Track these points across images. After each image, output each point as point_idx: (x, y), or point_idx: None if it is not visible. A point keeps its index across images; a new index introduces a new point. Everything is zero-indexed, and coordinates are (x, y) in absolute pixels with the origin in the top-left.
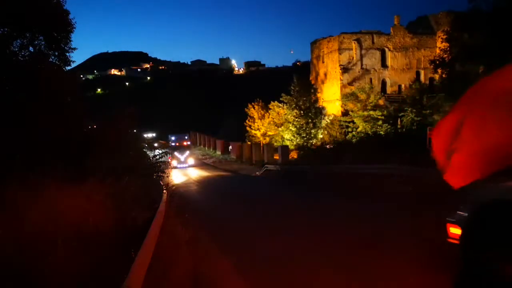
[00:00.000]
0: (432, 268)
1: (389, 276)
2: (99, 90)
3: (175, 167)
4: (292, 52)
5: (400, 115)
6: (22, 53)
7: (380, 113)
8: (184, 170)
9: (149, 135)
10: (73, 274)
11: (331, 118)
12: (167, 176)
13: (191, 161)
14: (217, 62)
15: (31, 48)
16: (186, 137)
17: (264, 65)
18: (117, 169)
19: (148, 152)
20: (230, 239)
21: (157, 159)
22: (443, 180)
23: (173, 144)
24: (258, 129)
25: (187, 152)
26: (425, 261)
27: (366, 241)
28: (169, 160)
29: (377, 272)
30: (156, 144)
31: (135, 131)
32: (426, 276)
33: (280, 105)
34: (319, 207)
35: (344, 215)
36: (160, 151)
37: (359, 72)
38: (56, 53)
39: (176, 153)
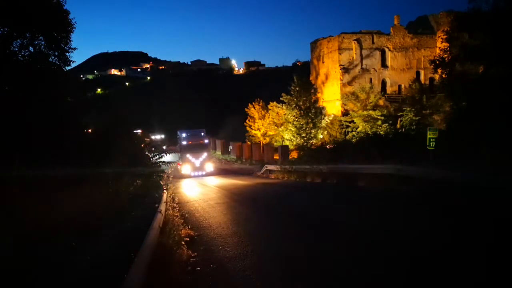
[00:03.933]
0: None
1: None
2: (99, 90)
3: (189, 176)
4: None
5: (399, 114)
6: (22, 53)
7: (380, 113)
8: (200, 179)
9: (157, 136)
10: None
11: (331, 118)
12: (168, 184)
13: (209, 167)
14: (217, 62)
15: (31, 48)
16: (202, 134)
17: (264, 65)
18: (117, 169)
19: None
20: None
21: (157, 159)
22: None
23: (184, 143)
24: (258, 129)
25: (204, 155)
26: None
27: None
28: (178, 166)
29: None
30: (164, 147)
31: (139, 131)
32: None
33: (279, 105)
34: None
35: None
36: (161, 154)
37: (359, 72)
38: (56, 53)
39: (189, 156)
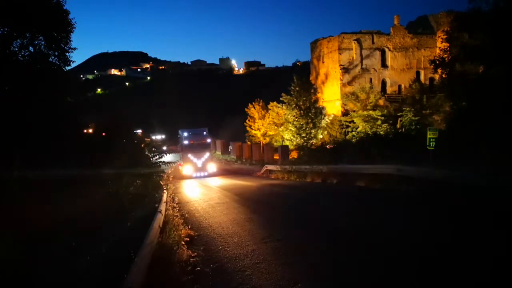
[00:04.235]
0: None
1: None
2: (99, 90)
3: (190, 176)
4: None
5: (399, 114)
6: (22, 53)
7: (380, 113)
8: (202, 180)
9: (158, 137)
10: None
11: (331, 118)
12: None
13: (212, 167)
14: (217, 62)
15: (31, 48)
16: (204, 133)
17: (264, 65)
18: (117, 169)
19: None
20: None
21: (156, 159)
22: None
23: (186, 142)
24: (258, 129)
25: (207, 155)
26: None
27: None
28: (180, 166)
29: None
30: (165, 148)
31: (139, 131)
32: None
33: (279, 105)
34: None
35: None
36: (161, 154)
37: (359, 72)
38: (56, 53)
39: (190, 156)
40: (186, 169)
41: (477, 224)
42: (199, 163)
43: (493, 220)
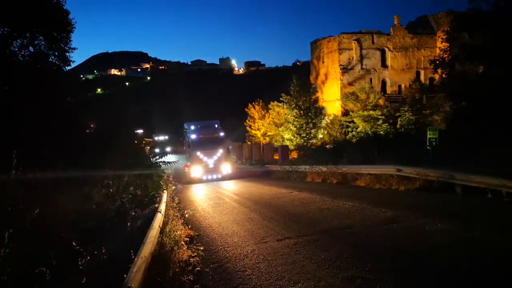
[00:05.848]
0: None
1: None
2: (99, 90)
3: (200, 180)
4: None
5: (397, 115)
6: (22, 53)
7: (380, 113)
8: (216, 185)
9: (161, 137)
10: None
11: (331, 118)
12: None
13: (226, 168)
14: (217, 62)
15: (31, 48)
16: (216, 126)
17: (264, 65)
18: (117, 169)
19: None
20: None
21: (157, 159)
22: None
23: (194, 137)
24: (259, 129)
25: (220, 152)
26: None
27: None
28: (186, 168)
29: None
30: (168, 149)
31: (140, 131)
32: None
33: (280, 105)
34: None
35: None
36: (162, 154)
37: (359, 72)
38: (56, 53)
39: (199, 154)
40: (195, 170)
41: (477, 223)
42: (210, 162)
43: (491, 220)
